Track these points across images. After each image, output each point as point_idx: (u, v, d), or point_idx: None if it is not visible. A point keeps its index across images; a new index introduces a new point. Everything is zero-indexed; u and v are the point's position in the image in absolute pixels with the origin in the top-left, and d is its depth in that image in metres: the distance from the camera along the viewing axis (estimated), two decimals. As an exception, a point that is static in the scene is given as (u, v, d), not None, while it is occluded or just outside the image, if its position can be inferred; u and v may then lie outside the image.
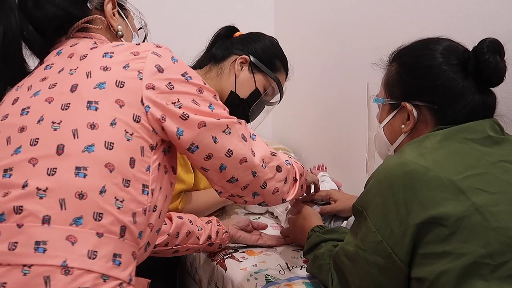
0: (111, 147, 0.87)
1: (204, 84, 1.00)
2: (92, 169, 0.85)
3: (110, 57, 0.95)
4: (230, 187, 1.06)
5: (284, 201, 1.17)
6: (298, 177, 1.21)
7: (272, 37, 1.72)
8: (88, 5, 1.05)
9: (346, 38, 1.98)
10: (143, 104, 0.92)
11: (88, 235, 0.82)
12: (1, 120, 0.92)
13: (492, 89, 1.06)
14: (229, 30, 1.74)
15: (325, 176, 1.78)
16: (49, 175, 0.84)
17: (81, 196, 0.83)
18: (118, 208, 0.86)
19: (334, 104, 2.12)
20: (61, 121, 0.88)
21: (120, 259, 0.85)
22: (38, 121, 0.89)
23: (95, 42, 1.01)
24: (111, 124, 0.89)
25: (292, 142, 2.44)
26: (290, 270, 1.33)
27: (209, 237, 1.38)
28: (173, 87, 0.94)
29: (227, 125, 1.00)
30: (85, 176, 0.85)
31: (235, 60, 1.62)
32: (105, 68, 0.93)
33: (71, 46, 1.00)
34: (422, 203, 0.90)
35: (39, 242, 0.79)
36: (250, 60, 1.61)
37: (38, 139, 0.87)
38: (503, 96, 1.12)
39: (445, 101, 1.04)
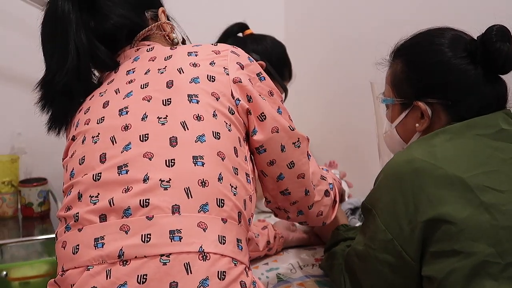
0: (218, 137, 0.90)
1: (274, 86, 1.04)
2: (208, 158, 0.88)
3: (196, 56, 0.98)
4: (280, 199, 1.09)
5: (324, 224, 1.19)
6: (338, 199, 1.24)
7: (283, 44, 1.75)
8: (146, 14, 1.08)
9: (356, 34, 1.96)
10: (233, 97, 0.95)
11: (215, 221, 0.84)
12: (98, 123, 0.94)
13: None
14: (240, 27, 1.75)
15: (336, 175, 1.77)
16: (168, 166, 0.86)
17: (203, 183, 0.85)
18: (234, 194, 0.89)
19: (343, 99, 2.10)
20: (167, 116, 0.90)
21: (241, 244, 0.88)
22: (142, 119, 0.91)
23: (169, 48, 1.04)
24: (213, 116, 0.92)
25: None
26: (301, 269, 1.33)
27: (268, 242, 1.38)
28: (252, 84, 0.98)
29: (298, 138, 1.04)
30: (203, 164, 0.87)
31: None
32: (195, 65, 0.96)
33: (147, 51, 1.03)
34: (430, 201, 0.89)
35: (174, 231, 0.81)
36: (266, 67, 1.62)
37: (147, 134, 0.89)
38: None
39: (459, 96, 1.01)
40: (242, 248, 0.87)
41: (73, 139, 0.97)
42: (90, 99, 1.00)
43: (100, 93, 0.99)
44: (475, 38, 1.02)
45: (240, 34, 1.77)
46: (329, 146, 2.24)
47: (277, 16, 2.44)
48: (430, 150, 0.95)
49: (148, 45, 1.05)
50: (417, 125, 1.07)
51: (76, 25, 0.99)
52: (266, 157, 1.01)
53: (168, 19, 1.14)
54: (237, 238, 0.87)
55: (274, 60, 1.68)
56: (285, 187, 1.06)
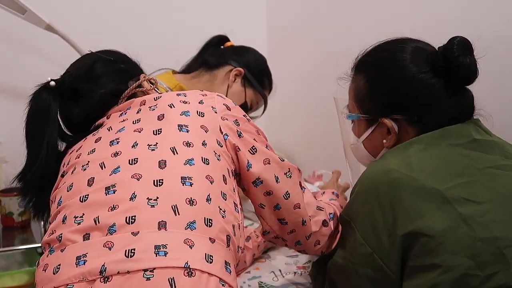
0: (207, 163, 0.92)
1: (259, 128, 1.08)
2: (196, 179, 0.88)
3: (185, 96, 1.03)
4: (278, 228, 1.11)
5: (322, 253, 1.20)
6: (340, 229, 1.23)
7: (262, 55, 1.77)
8: (129, 84, 1.12)
9: (339, 42, 1.98)
10: (221, 132, 0.98)
11: (203, 240, 0.83)
12: (88, 154, 0.95)
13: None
14: (221, 39, 1.77)
15: (316, 188, 1.77)
16: (156, 186, 0.86)
17: (191, 202, 0.85)
18: (223, 217, 0.88)
19: (326, 107, 2.11)
20: (157, 143, 0.92)
21: (230, 267, 0.86)
22: (133, 146, 0.92)
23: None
24: (203, 144, 0.94)
25: (285, 147, 2.43)
26: (283, 277, 1.33)
27: (253, 255, 1.39)
28: (239, 124, 1.02)
29: (289, 168, 1.07)
30: (191, 185, 0.87)
31: (230, 70, 1.65)
32: (185, 102, 1.01)
33: (136, 98, 1.06)
34: (408, 214, 0.89)
35: (159, 246, 0.79)
36: (245, 74, 1.63)
37: (137, 158, 0.90)
38: (480, 90, 1.09)
39: (424, 111, 1.02)
40: (230, 272, 0.85)
41: (63, 175, 0.98)
42: (83, 140, 1.02)
43: (93, 134, 1.02)
44: (436, 48, 1.03)
45: (221, 47, 1.79)
46: (313, 154, 2.25)
47: (259, 29, 2.46)
48: (405, 161, 0.94)
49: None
50: (384, 141, 1.07)
51: (53, 123, 1.04)
52: (263, 189, 1.03)
53: (151, 82, 1.17)
54: (225, 260, 0.85)
55: (254, 69, 1.70)
56: (282, 217, 1.08)
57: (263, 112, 1.78)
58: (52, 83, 1.05)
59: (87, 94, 1.08)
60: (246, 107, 1.68)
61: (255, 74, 1.70)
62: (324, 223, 1.13)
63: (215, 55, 1.72)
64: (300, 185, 1.10)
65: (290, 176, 1.07)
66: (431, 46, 1.05)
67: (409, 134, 1.03)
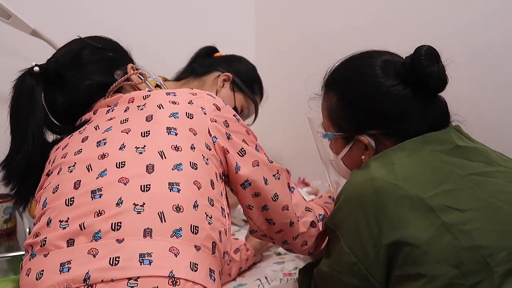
0: (195, 168, 0.91)
1: (249, 127, 1.08)
2: (184, 185, 0.87)
3: (174, 95, 1.01)
4: (266, 228, 1.10)
5: (310, 254, 1.19)
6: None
7: (252, 63, 1.78)
8: (115, 75, 1.10)
9: (328, 49, 1.99)
10: (210, 135, 0.97)
11: (188, 247, 0.83)
12: (75, 154, 0.94)
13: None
14: (210, 50, 1.79)
15: (305, 193, 1.78)
16: (143, 191, 0.85)
17: (178, 209, 0.85)
18: (209, 223, 0.88)
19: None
20: (145, 146, 0.91)
21: (214, 275, 0.86)
22: (120, 148, 0.91)
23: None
24: (191, 148, 0.93)
25: (273, 152, 2.43)
26: (269, 284, 1.33)
27: (240, 268, 1.38)
28: (229, 125, 1.02)
29: (278, 170, 1.07)
30: (179, 191, 0.86)
31: (219, 76, 1.66)
32: (174, 102, 0.99)
33: (124, 94, 1.04)
34: (392, 223, 0.89)
35: (144, 254, 0.78)
36: (233, 78, 1.64)
37: (124, 162, 0.89)
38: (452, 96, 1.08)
39: (399, 123, 1.01)
40: (214, 280, 0.85)
41: (48, 174, 0.97)
42: (69, 137, 1.01)
43: (80, 131, 1.00)
44: (404, 58, 1.02)
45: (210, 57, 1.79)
46: (302, 159, 2.25)
47: (247, 39, 2.45)
48: (389, 169, 0.94)
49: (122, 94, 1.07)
50: (363, 156, 1.06)
51: (37, 110, 1.02)
52: (251, 190, 1.03)
53: (140, 75, 1.16)
54: (210, 268, 0.84)
55: (243, 74, 1.71)
56: (270, 217, 1.07)
57: (255, 118, 1.78)
58: (36, 68, 1.04)
59: (71, 83, 1.07)
60: (236, 112, 1.66)
61: (245, 79, 1.70)
62: (312, 224, 1.13)
63: (203, 64, 1.73)
64: (289, 186, 1.10)
65: (279, 178, 1.07)
66: (398, 56, 1.05)
67: (387, 147, 1.02)
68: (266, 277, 1.36)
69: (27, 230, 1.64)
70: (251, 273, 1.39)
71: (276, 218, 1.07)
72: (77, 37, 1.15)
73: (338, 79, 1.10)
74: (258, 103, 1.77)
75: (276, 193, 1.05)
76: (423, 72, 0.97)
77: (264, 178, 1.03)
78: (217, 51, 1.80)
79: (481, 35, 1.36)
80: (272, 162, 1.06)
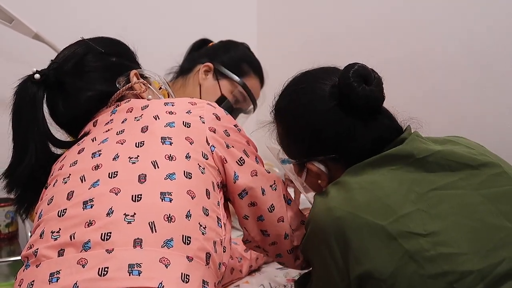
0: (189, 177, 0.89)
1: (249, 138, 1.07)
2: (176, 195, 0.86)
3: (172, 105, 1.00)
4: (260, 239, 1.08)
5: (302, 268, 1.17)
6: None
7: (243, 43, 1.70)
8: (118, 84, 1.09)
9: (331, 51, 1.98)
10: (208, 144, 0.96)
11: (179, 258, 0.80)
12: (70, 166, 0.93)
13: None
14: (202, 43, 1.73)
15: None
16: (134, 201, 0.83)
17: (169, 219, 0.83)
18: (203, 234, 0.86)
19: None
20: (138, 156, 0.90)
21: (208, 287, 0.83)
22: (114, 158, 0.90)
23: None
24: (186, 157, 0.91)
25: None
26: (273, 290, 1.31)
27: (250, 266, 1.37)
28: (229, 135, 1.00)
29: (275, 181, 1.05)
30: (170, 200, 0.85)
31: (199, 69, 1.60)
32: (171, 112, 0.98)
33: (125, 103, 1.04)
34: (355, 257, 0.86)
35: (133, 265, 0.77)
36: (214, 67, 1.58)
37: (116, 172, 0.88)
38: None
39: (343, 146, 0.98)
40: None
41: (46, 187, 0.96)
42: (68, 150, 1.01)
43: (78, 143, 1.00)
44: (337, 79, 0.99)
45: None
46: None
47: (249, 42, 2.44)
48: (346, 196, 0.91)
49: (125, 102, 1.05)
50: (319, 181, 1.04)
51: (38, 118, 1.01)
52: (248, 200, 1.02)
53: (144, 76, 1.15)
54: (203, 280, 0.82)
55: (225, 59, 1.62)
56: (264, 228, 1.06)
57: (253, 101, 1.65)
58: (37, 75, 1.03)
59: (72, 93, 1.06)
60: (224, 100, 1.59)
61: (227, 63, 1.61)
62: None
63: (188, 59, 1.68)
64: (285, 197, 1.08)
65: (275, 189, 1.05)
66: (334, 74, 1.01)
67: (339, 170, 0.99)
68: (270, 284, 1.35)
69: (29, 234, 1.63)
70: (255, 279, 1.38)
71: (271, 229, 1.06)
72: (81, 39, 1.14)
73: (278, 109, 1.08)
74: (259, 83, 1.67)
75: (272, 204, 1.04)
76: (352, 95, 0.94)
77: (261, 188, 1.02)
78: (209, 42, 1.73)
79: (482, 35, 1.36)
80: (269, 173, 1.05)
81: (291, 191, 1.17)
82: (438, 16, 1.53)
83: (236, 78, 1.60)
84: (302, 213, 1.13)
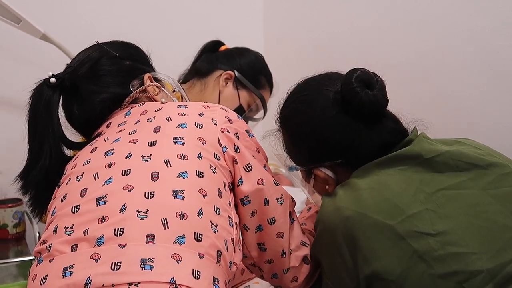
0: (201, 176, 0.89)
1: (260, 145, 1.06)
2: (189, 193, 0.86)
3: (185, 108, 1.01)
4: (257, 255, 1.06)
5: None
6: None
7: (258, 52, 1.71)
8: (132, 87, 1.09)
9: (337, 50, 1.98)
10: (220, 144, 0.95)
11: (191, 255, 0.81)
12: (83, 165, 0.94)
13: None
14: (215, 44, 1.73)
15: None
16: (147, 198, 0.84)
17: (181, 216, 0.83)
18: (214, 232, 0.86)
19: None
20: (151, 154, 0.90)
21: (219, 284, 0.83)
22: (127, 157, 0.91)
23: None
24: (198, 157, 0.91)
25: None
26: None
27: None
28: (239, 138, 0.99)
29: (282, 195, 1.03)
30: (183, 198, 0.85)
31: (220, 75, 1.61)
32: (183, 114, 0.98)
33: (139, 106, 1.04)
34: (364, 257, 0.85)
35: (146, 260, 0.77)
36: (235, 76, 1.60)
37: (130, 169, 0.88)
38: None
39: (349, 151, 0.98)
40: None
41: (59, 186, 0.97)
42: (88, 146, 1.01)
43: (91, 143, 1.01)
44: (340, 85, 0.98)
45: (214, 52, 1.74)
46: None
47: (256, 41, 2.43)
48: (354, 195, 0.90)
49: (139, 105, 1.06)
50: (327, 187, 1.04)
51: (53, 121, 1.03)
52: (249, 209, 1.00)
53: (158, 79, 1.15)
54: (214, 277, 0.82)
55: (246, 69, 1.63)
56: (262, 241, 1.04)
57: (265, 113, 1.70)
58: (53, 79, 1.04)
59: (87, 97, 1.07)
60: (242, 110, 1.62)
61: (248, 74, 1.63)
62: (305, 260, 1.07)
63: (205, 61, 1.68)
64: (290, 215, 1.05)
65: (281, 203, 1.02)
66: (337, 80, 1.01)
67: (346, 175, 0.99)
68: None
69: (37, 234, 1.64)
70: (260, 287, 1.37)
71: (269, 243, 1.03)
72: (95, 43, 1.15)
73: (282, 118, 1.08)
74: (269, 95, 1.70)
75: (273, 217, 1.01)
76: (354, 101, 0.94)
77: (265, 198, 1.00)
78: (222, 44, 1.74)
79: (490, 35, 1.35)
80: (278, 185, 1.03)
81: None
82: (444, 17, 1.53)
83: (256, 91, 1.63)
84: (303, 235, 1.09)
